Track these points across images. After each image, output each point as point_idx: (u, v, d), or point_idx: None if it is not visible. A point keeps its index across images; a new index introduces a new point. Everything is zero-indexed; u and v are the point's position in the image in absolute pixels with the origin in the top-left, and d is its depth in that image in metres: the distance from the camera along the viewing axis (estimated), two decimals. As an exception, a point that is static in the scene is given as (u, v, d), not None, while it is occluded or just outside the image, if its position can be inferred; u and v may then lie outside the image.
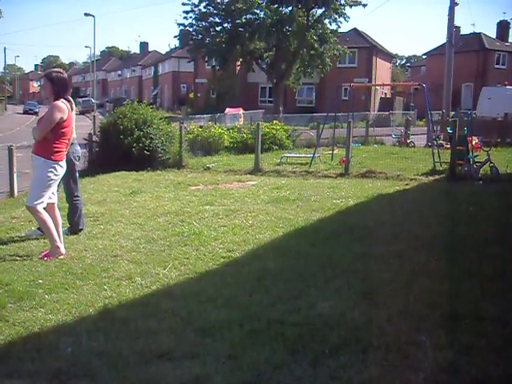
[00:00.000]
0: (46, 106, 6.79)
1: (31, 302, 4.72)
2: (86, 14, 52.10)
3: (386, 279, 5.19)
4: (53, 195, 6.52)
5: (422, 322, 4.13)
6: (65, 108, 6.25)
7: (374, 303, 4.56)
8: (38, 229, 7.17)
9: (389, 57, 59.47)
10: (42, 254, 6.24)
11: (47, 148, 6.23)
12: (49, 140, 6.21)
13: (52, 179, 6.30)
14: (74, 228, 7.42)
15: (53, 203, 6.53)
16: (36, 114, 58.12)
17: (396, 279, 5.20)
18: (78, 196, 7.53)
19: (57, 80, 6.35)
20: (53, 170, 6.26)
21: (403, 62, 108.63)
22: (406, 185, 11.85)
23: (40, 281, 5.30)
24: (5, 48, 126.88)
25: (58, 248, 6.25)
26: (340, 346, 3.71)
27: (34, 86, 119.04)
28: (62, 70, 6.66)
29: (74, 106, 6.53)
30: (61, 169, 6.38)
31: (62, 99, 6.28)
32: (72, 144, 6.97)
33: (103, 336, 3.98)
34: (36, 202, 6.20)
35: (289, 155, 17.18)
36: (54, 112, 6.22)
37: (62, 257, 6.21)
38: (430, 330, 3.96)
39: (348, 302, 4.56)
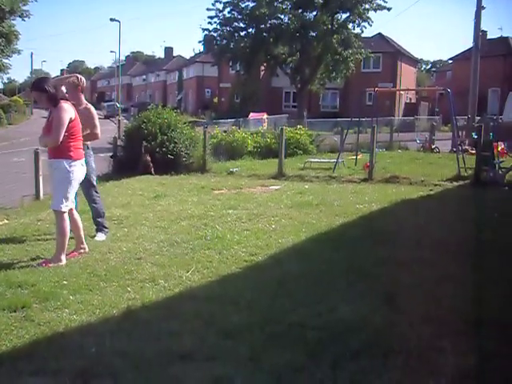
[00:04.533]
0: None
1: (56, 303, 4.78)
2: (111, 20, 52.57)
3: (408, 284, 5.17)
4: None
5: (444, 328, 4.11)
6: (70, 108, 6.19)
7: (395, 308, 4.55)
8: (97, 230, 7.44)
9: (414, 62, 59.13)
10: (42, 261, 6.09)
11: (64, 149, 6.15)
12: (63, 141, 6.12)
13: (74, 178, 6.25)
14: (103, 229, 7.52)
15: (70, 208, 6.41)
16: None
17: (419, 284, 5.18)
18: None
19: (46, 87, 6.20)
20: (74, 168, 6.22)
21: (428, 66, 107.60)
22: (430, 190, 11.77)
23: (65, 282, 5.37)
24: (32, 53, 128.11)
25: (61, 261, 6.09)
26: (361, 350, 3.70)
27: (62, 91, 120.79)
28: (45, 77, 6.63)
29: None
30: (82, 167, 6.35)
31: (62, 100, 6.19)
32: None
33: (126, 337, 4.03)
34: (61, 205, 6.15)
35: (312, 160, 17.18)
36: (62, 115, 6.11)
37: (62, 263, 6.06)
38: (452, 336, 3.94)
39: (370, 307, 4.56)
